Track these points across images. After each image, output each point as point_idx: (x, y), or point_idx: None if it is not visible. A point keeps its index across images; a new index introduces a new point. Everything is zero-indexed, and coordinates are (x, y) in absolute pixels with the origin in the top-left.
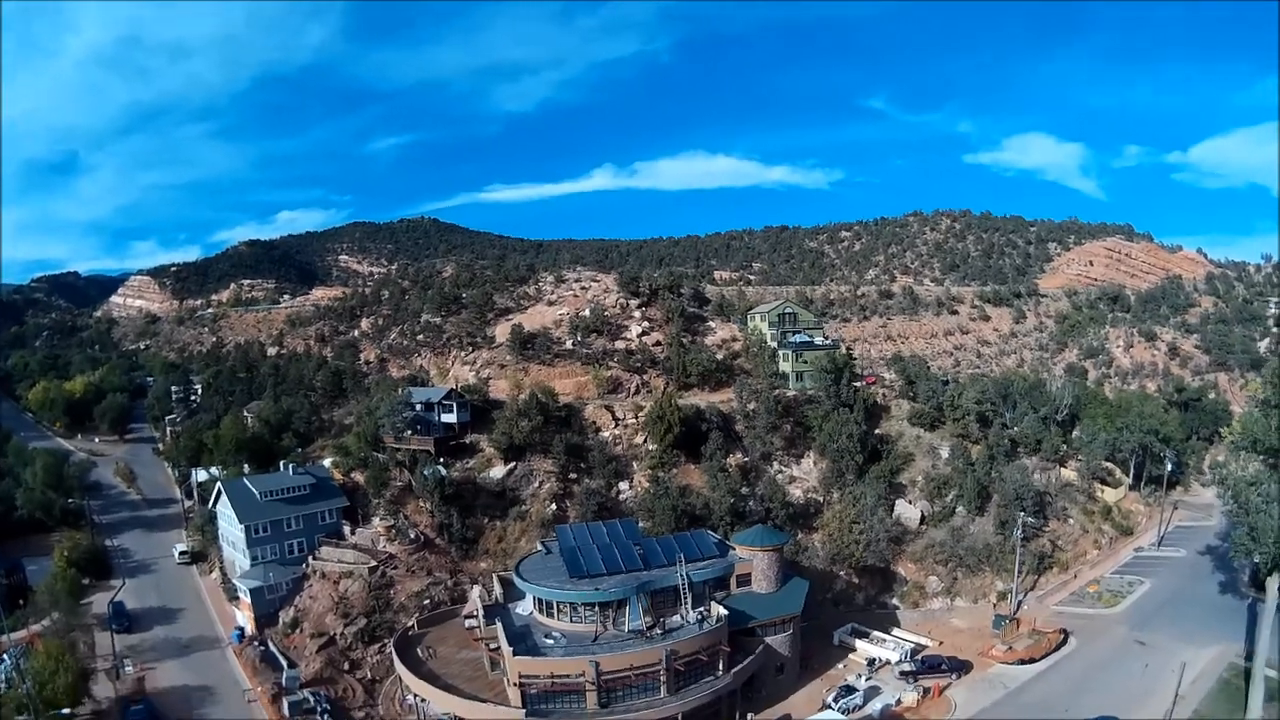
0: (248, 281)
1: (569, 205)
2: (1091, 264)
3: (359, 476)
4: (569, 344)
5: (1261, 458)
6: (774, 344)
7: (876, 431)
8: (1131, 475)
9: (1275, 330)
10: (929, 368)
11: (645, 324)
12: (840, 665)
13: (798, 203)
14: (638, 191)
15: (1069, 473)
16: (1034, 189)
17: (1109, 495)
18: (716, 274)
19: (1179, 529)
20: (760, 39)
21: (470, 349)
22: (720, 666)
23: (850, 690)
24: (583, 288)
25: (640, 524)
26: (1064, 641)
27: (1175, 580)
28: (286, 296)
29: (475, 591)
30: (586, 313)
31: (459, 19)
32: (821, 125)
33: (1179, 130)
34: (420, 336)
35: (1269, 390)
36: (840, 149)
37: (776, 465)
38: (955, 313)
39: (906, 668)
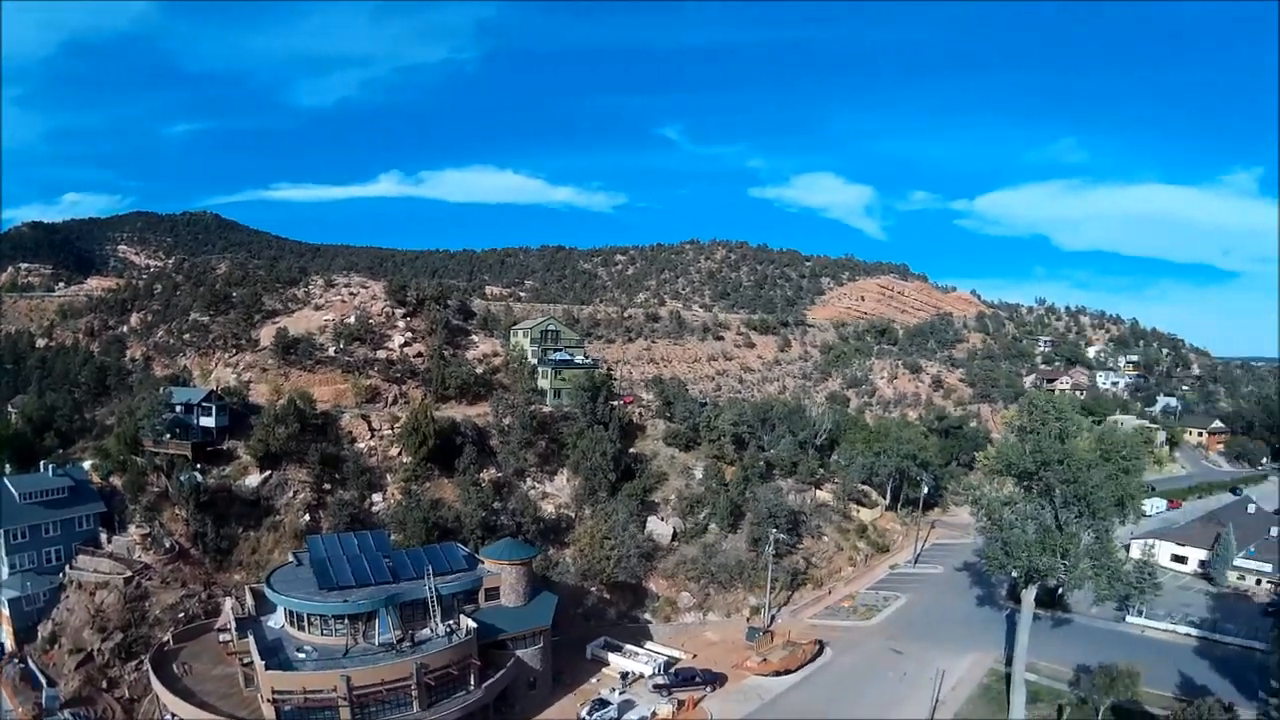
0: (25, 265)
1: (351, 210)
2: (863, 299)
3: (117, 480)
4: (331, 351)
5: (1015, 480)
6: (534, 360)
7: (631, 450)
8: (889, 497)
9: (1043, 366)
10: (688, 390)
11: (409, 334)
12: (594, 679)
13: (579, 224)
14: (422, 201)
15: (824, 494)
16: (816, 226)
17: (865, 515)
18: (488, 289)
19: (936, 547)
20: (567, 60)
21: (234, 350)
22: (472, 681)
23: (604, 704)
24: (351, 293)
25: (392, 536)
26: (819, 653)
27: (932, 594)
28: (62, 285)
29: (228, 604)
30: (351, 319)
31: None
32: (612, 150)
33: (968, 180)
34: (187, 335)
35: (1024, 417)
36: (627, 174)
37: (530, 481)
38: (721, 339)
39: (660, 681)
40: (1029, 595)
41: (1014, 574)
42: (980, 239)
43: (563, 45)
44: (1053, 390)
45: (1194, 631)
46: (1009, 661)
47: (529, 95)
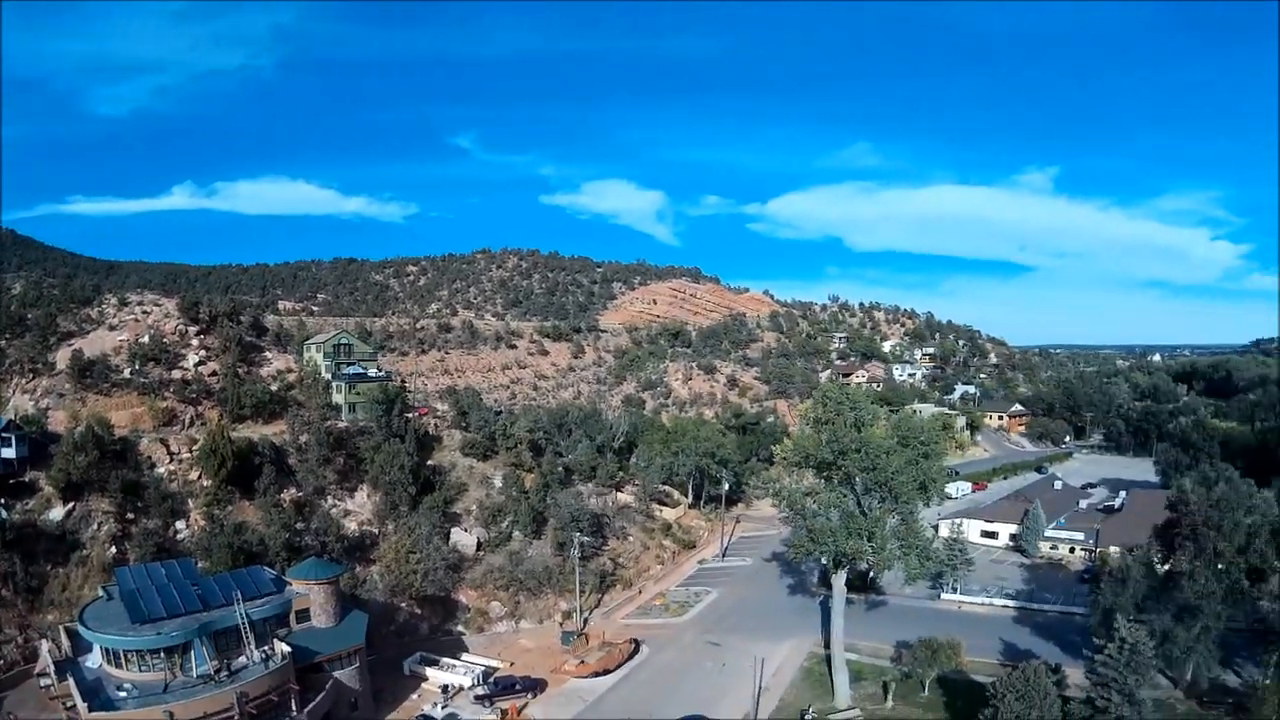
0: None
1: (145, 224)
2: (655, 303)
3: None
4: (127, 372)
5: (814, 470)
6: (328, 375)
7: (429, 462)
8: (691, 495)
9: (838, 362)
10: (482, 399)
11: (203, 352)
12: (415, 695)
13: (371, 235)
14: (215, 213)
15: (626, 496)
16: (608, 232)
17: (668, 514)
18: (282, 304)
19: (743, 540)
20: (362, 69)
21: (31, 376)
22: (294, 706)
23: (429, 719)
24: (145, 312)
25: (199, 564)
26: (636, 651)
27: (743, 586)
28: None
29: (45, 646)
30: (146, 339)
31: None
32: (405, 159)
33: (760, 184)
34: None
35: (819, 409)
36: (420, 183)
37: (331, 499)
38: (514, 347)
39: (481, 691)
40: (840, 579)
41: (823, 559)
42: (773, 242)
43: (358, 53)
44: (848, 384)
45: (1012, 602)
46: (828, 644)
47: (323, 104)
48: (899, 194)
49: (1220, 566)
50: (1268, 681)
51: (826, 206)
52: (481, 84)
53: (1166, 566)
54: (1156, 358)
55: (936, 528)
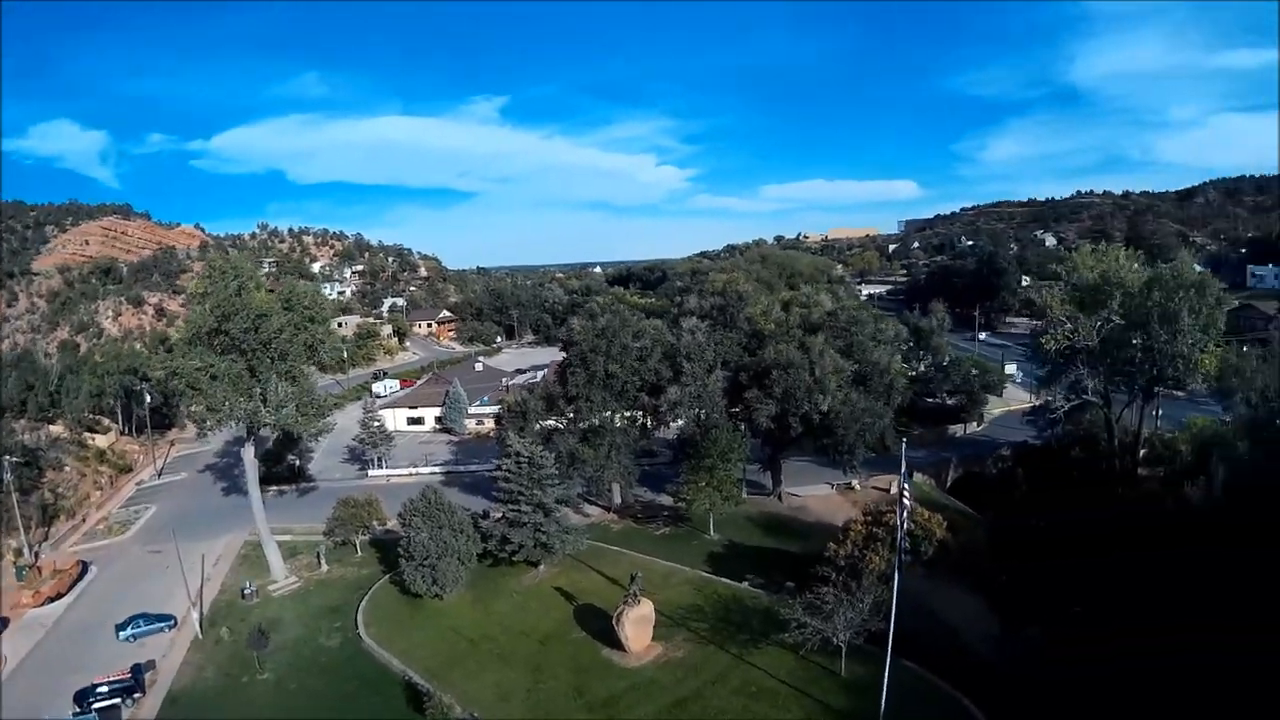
0: None
1: None
2: (88, 243)
3: None
4: None
5: (204, 343)
6: None
7: None
8: (122, 421)
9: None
10: None
11: None
12: None
13: None
14: None
15: (57, 428)
16: (52, 177)
17: (100, 441)
18: None
19: (180, 458)
20: None
21: None
22: None
23: None
24: None
25: None
26: (84, 572)
27: (180, 498)
28: None
29: None
30: None
31: None
32: None
33: (205, 119)
34: None
35: (205, 283)
36: None
37: None
38: None
39: None
40: (249, 451)
41: (232, 426)
42: (216, 178)
43: None
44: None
45: (438, 469)
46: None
47: None
48: (345, 125)
49: (616, 389)
50: (695, 482)
51: (271, 140)
52: None
53: (572, 412)
54: (598, 269)
55: (363, 424)
